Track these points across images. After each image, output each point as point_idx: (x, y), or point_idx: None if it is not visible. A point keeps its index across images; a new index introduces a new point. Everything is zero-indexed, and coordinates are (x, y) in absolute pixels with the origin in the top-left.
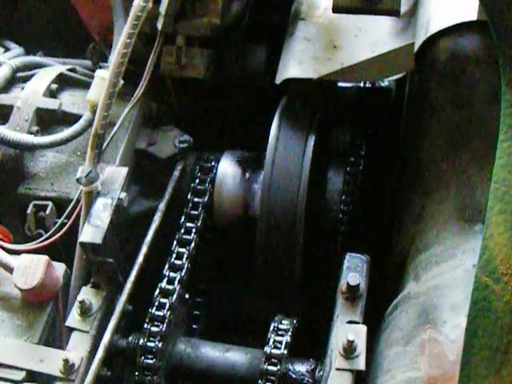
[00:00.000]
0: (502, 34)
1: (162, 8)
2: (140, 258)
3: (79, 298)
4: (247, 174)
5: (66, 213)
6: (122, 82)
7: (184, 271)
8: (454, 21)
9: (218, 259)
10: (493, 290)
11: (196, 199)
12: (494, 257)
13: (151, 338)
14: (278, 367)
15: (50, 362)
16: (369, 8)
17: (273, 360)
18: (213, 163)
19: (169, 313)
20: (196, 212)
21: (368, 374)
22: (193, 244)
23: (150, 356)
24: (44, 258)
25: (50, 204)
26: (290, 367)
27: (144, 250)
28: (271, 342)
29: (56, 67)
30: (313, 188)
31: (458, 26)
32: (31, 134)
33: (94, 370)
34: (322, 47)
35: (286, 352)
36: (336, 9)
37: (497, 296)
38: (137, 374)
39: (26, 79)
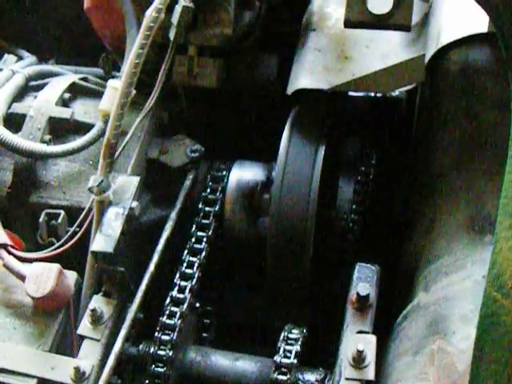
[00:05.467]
0: (510, 47)
1: (175, 18)
2: (151, 267)
3: (90, 306)
4: (258, 184)
5: (78, 221)
6: (134, 92)
7: (195, 280)
8: (465, 33)
9: (228, 268)
10: (502, 304)
11: (207, 208)
12: (503, 271)
13: (162, 347)
14: (288, 376)
15: (61, 369)
16: (380, 23)
17: (282, 369)
18: (224, 172)
19: (179, 321)
20: (207, 221)
21: None
22: (204, 253)
23: (160, 364)
24: (56, 266)
25: (62, 213)
26: (300, 376)
27: (155, 258)
28: (281, 351)
29: (68, 76)
30: (323, 197)
31: (468, 37)
32: (44, 142)
33: (104, 378)
34: (333, 58)
35: (295, 361)
36: (347, 24)
37: (506, 310)
38: (147, 382)
39: (38, 88)
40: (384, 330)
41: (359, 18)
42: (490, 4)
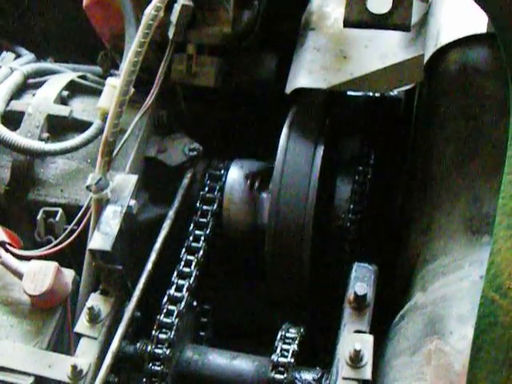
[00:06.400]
0: (510, 48)
1: (174, 17)
2: (149, 265)
3: (88, 304)
4: (256, 183)
5: (76, 219)
6: (132, 90)
7: (192, 279)
8: (464, 33)
9: (226, 267)
10: (499, 304)
11: (205, 207)
12: (501, 272)
13: (159, 345)
14: (285, 375)
15: (59, 367)
16: (379, 23)
17: (280, 368)
18: (222, 171)
19: (177, 320)
20: (205, 220)
21: (374, 383)
22: (201, 252)
23: (157, 363)
24: (53, 264)
25: (60, 210)
26: (297, 375)
27: (153, 257)
28: (278, 351)
29: (67, 74)
30: (321, 197)
31: (467, 38)
32: (42, 140)
33: (101, 376)
34: (331, 57)
35: (292, 360)
36: (347, 23)
37: (503, 310)
38: (144, 380)
39: (37, 86)
40: (381, 330)
41: (358, 18)
42: (490, 5)
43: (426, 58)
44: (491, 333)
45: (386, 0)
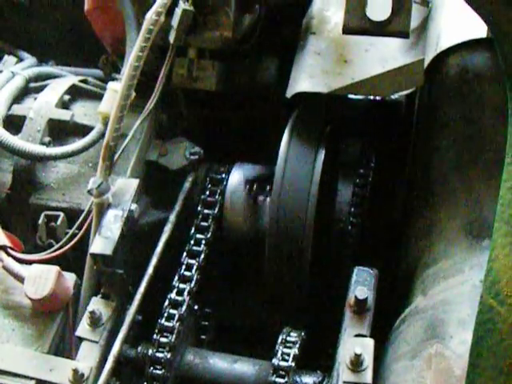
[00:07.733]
0: (508, 56)
1: (174, 21)
2: (150, 269)
3: (89, 308)
4: (257, 187)
5: (77, 223)
6: (134, 94)
7: (193, 282)
8: (464, 38)
9: (227, 270)
10: (498, 311)
11: (206, 211)
12: (499, 279)
13: (160, 349)
14: (286, 379)
15: (60, 371)
16: (378, 30)
17: (280, 372)
18: (223, 175)
19: (178, 324)
20: (206, 223)
21: None
22: (202, 255)
23: (158, 366)
24: (55, 268)
25: (62, 214)
26: (298, 379)
27: (154, 260)
28: (279, 354)
29: (68, 78)
30: (322, 200)
31: (467, 42)
32: (43, 144)
33: (103, 380)
34: (332, 62)
35: (293, 364)
36: (346, 30)
37: (501, 317)
38: None
39: (38, 90)
40: (382, 334)
41: (358, 25)
42: (488, 12)
43: (426, 62)
44: (489, 340)
45: (385, 7)
